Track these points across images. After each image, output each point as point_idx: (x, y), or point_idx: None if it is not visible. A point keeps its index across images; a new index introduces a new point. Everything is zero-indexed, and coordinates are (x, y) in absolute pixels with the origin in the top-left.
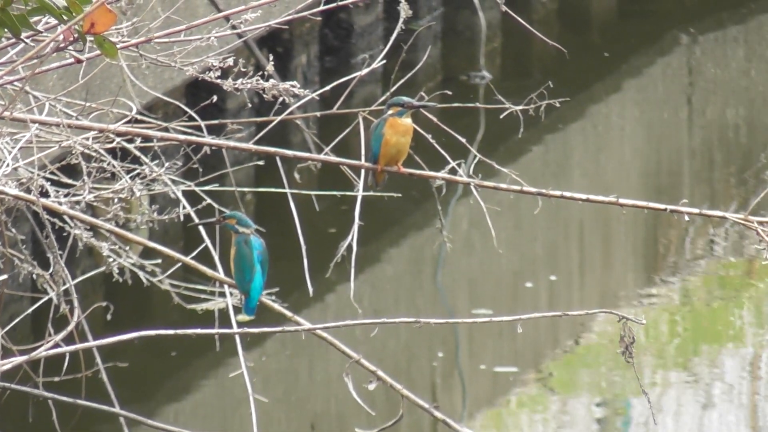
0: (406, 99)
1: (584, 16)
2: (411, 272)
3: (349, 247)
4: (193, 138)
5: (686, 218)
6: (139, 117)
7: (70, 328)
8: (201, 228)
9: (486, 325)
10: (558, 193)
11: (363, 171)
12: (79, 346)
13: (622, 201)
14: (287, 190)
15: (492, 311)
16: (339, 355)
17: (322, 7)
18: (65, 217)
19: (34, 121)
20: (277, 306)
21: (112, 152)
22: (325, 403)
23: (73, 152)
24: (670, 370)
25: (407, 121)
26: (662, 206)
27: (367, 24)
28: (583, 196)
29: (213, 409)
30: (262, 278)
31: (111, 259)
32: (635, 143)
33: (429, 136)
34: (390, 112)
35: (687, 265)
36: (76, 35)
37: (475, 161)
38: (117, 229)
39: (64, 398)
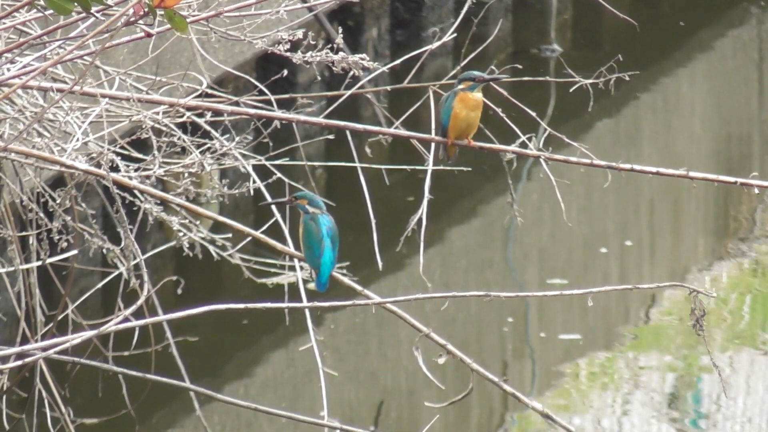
0: (476, 73)
1: None
2: (481, 246)
3: (419, 221)
4: (264, 112)
5: (756, 191)
6: (209, 91)
7: (140, 302)
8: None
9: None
10: (628, 166)
11: (433, 145)
12: (149, 320)
13: (692, 174)
14: (358, 164)
15: (566, 281)
16: (409, 328)
17: None
18: (135, 191)
19: (104, 96)
20: (347, 280)
21: (182, 126)
22: (394, 376)
23: (144, 126)
24: (740, 343)
25: (477, 95)
26: (732, 179)
27: None
28: (653, 170)
29: (283, 383)
30: (332, 253)
31: (181, 234)
32: (705, 116)
33: (499, 110)
34: (461, 86)
35: (757, 238)
36: (146, 9)
37: (546, 135)
38: (187, 204)
39: (134, 373)
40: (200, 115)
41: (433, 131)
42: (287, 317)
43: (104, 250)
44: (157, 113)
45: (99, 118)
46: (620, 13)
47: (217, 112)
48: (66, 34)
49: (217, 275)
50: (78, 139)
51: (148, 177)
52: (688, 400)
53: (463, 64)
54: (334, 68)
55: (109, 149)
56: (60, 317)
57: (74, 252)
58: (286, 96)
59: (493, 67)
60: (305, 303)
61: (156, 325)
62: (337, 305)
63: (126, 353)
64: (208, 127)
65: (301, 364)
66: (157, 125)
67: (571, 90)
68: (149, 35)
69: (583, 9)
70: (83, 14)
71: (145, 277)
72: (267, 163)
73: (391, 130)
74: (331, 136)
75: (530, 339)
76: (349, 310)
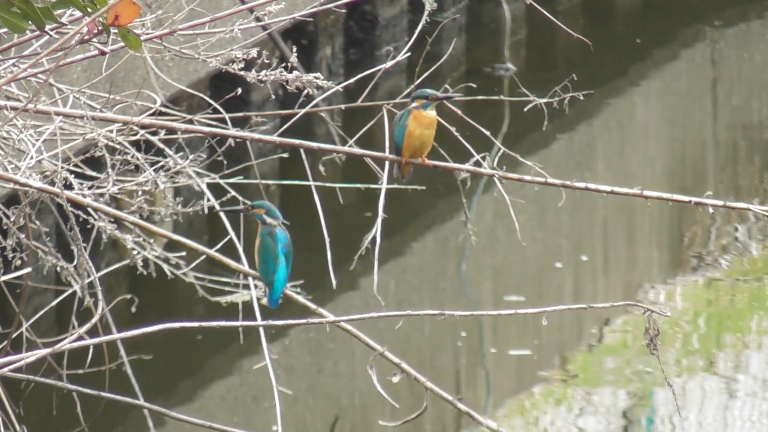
0: (430, 91)
1: (609, 8)
2: (435, 264)
3: (373, 239)
4: (218, 130)
5: (710, 210)
6: (163, 109)
7: (94, 320)
8: (225, 220)
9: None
10: (582, 185)
11: (387, 163)
12: (103, 338)
13: (646, 193)
14: (311, 183)
15: (522, 297)
16: (363, 347)
17: None
18: (89, 209)
19: (58, 114)
20: (301, 298)
21: (136, 144)
22: (349, 395)
23: (97, 144)
24: (694, 361)
25: (431, 113)
26: (686, 198)
27: (392, 16)
28: (608, 189)
29: (237, 401)
30: (286, 270)
31: (135, 252)
32: (659, 135)
33: (453, 129)
34: (414, 104)
35: (711, 258)
36: (100, 27)
37: (500, 153)
38: (141, 222)
39: (88, 391)
40: (154, 133)
41: (387, 149)
42: (241, 335)
43: (58, 268)
44: (111, 131)
45: (53, 136)
46: (574, 32)
47: (171, 130)
48: (20, 52)
49: (171, 293)
50: (32, 157)
51: (101, 195)
52: (642, 418)
53: (417, 82)
54: (288, 87)
55: (62, 167)
56: (14, 335)
57: (28, 270)
58: (240, 114)
59: (447, 86)
60: (259, 321)
61: (110, 343)
62: (292, 324)
63: (80, 371)
64: (162, 145)
65: (255, 382)
66: (111, 143)
67: (525, 109)
68: (103, 53)
69: (537, 28)
70: (37, 32)
71: (99, 296)
72: (221, 181)
73: (345, 149)
74: (285, 155)
75: (484, 356)
76: (304, 328)
